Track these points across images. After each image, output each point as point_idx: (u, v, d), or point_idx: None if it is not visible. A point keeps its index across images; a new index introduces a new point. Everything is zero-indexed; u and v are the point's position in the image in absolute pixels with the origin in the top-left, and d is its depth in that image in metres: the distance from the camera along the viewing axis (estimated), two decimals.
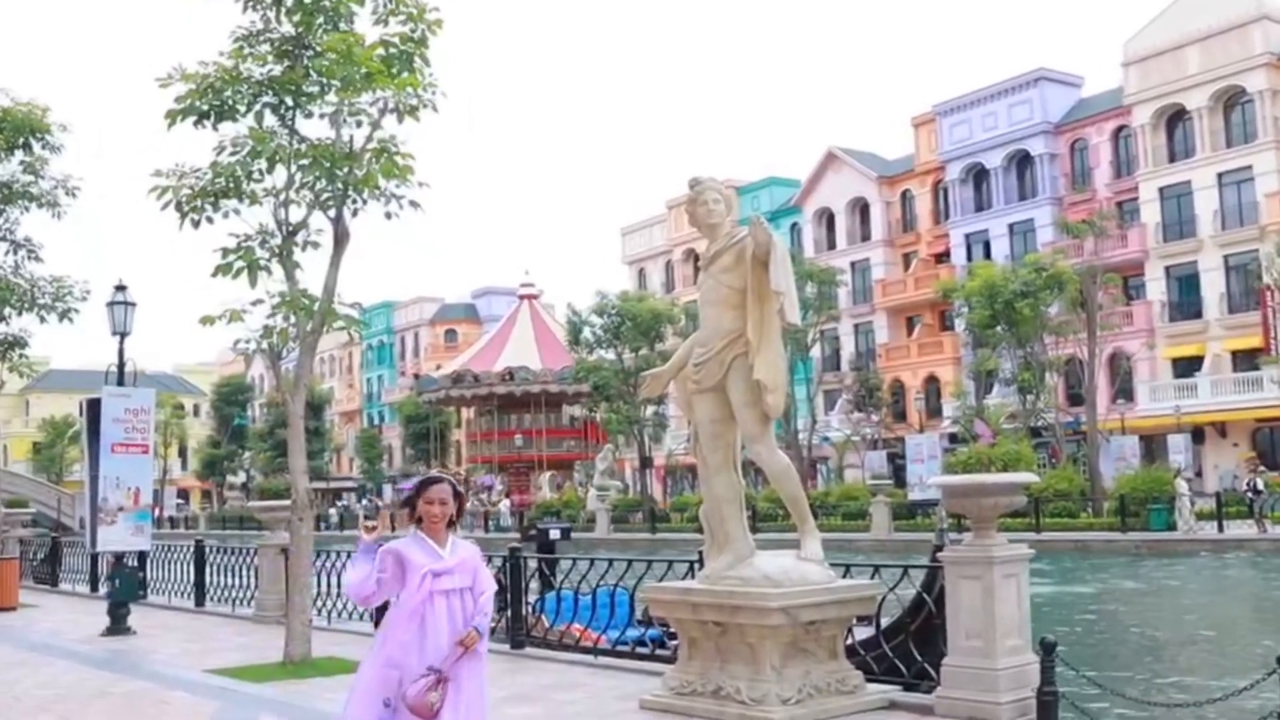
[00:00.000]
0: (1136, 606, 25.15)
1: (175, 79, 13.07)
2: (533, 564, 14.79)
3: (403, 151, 13.33)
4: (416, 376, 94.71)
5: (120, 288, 20.09)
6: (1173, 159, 59.73)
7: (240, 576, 19.47)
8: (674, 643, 11.05)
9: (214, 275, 13.15)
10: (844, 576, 9.86)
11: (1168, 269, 59.25)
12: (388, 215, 13.50)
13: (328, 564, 17.60)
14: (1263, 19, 55.76)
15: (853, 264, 73.43)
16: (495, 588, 6.22)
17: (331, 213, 13.45)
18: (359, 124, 13.35)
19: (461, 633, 5.81)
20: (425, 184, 13.51)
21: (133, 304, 20.20)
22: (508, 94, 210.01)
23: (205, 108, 13.13)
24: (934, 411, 64.38)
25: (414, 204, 13.55)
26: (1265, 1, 56.08)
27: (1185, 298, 58.69)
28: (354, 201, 13.44)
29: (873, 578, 10.13)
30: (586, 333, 64.02)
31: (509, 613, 13.90)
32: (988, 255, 63.39)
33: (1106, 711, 9.79)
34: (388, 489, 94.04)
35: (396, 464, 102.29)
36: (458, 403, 78.90)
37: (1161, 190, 59.56)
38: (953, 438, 55.73)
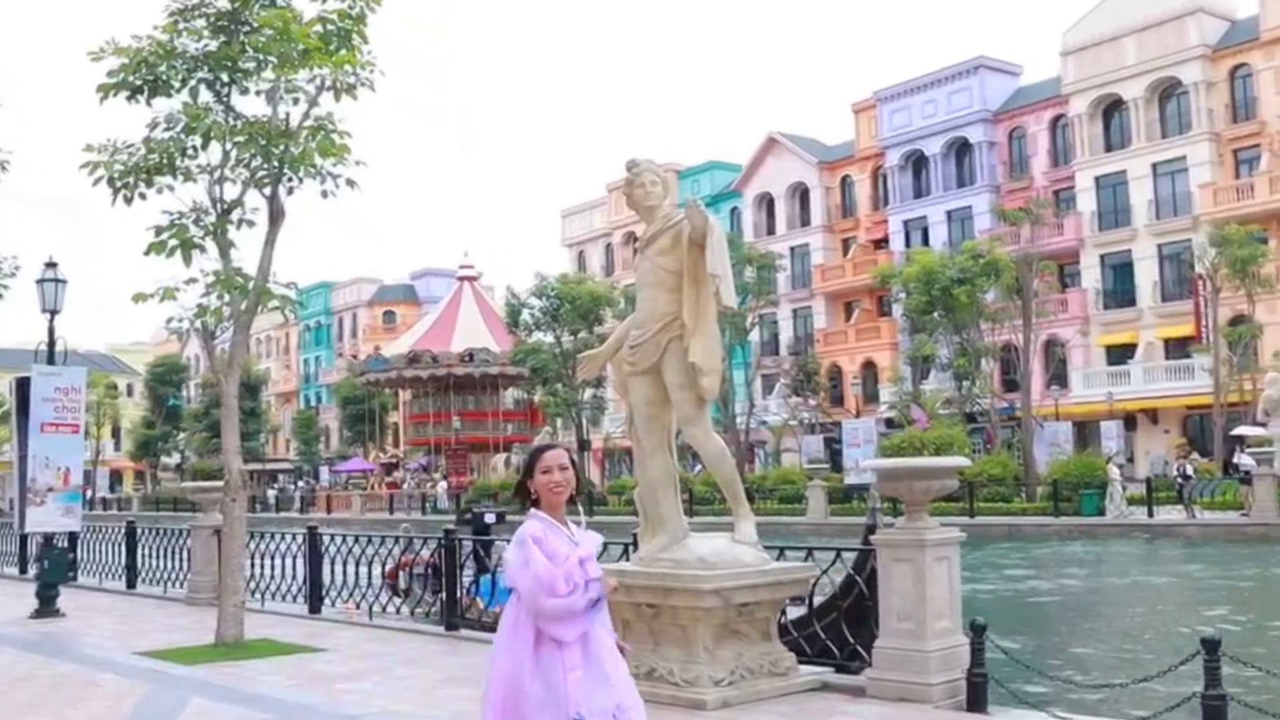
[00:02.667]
0: (1066, 590, 25.46)
1: (107, 53, 12.86)
2: (468, 546, 14.76)
3: (340, 130, 13.21)
4: (356, 356, 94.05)
5: (51, 264, 19.81)
6: (1109, 149, 60.44)
7: (173, 558, 19.27)
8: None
9: (147, 253, 12.99)
10: (777, 559, 9.91)
11: (1102, 257, 59.97)
12: (324, 194, 13.39)
13: (261, 546, 17.49)
14: (1198, 11, 56.51)
15: (792, 249, 73.70)
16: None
17: (267, 191, 13.31)
18: (296, 101, 13.21)
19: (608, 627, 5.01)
20: (362, 163, 13.42)
21: (63, 281, 19.92)
22: (446, 74, 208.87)
23: (139, 83, 12.93)
24: (871, 396, 64.81)
25: (351, 183, 13.44)
26: None
27: (1119, 286, 59.43)
28: (290, 180, 13.30)
29: (806, 560, 10.19)
30: (525, 315, 63.82)
31: (444, 595, 13.89)
32: (926, 242, 63.89)
33: (1036, 692, 9.91)
34: (324, 471, 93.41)
35: (334, 446, 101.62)
36: (401, 384, 78.18)
37: (1097, 179, 60.27)
38: (889, 422, 56.15)
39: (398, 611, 15.32)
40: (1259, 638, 17.63)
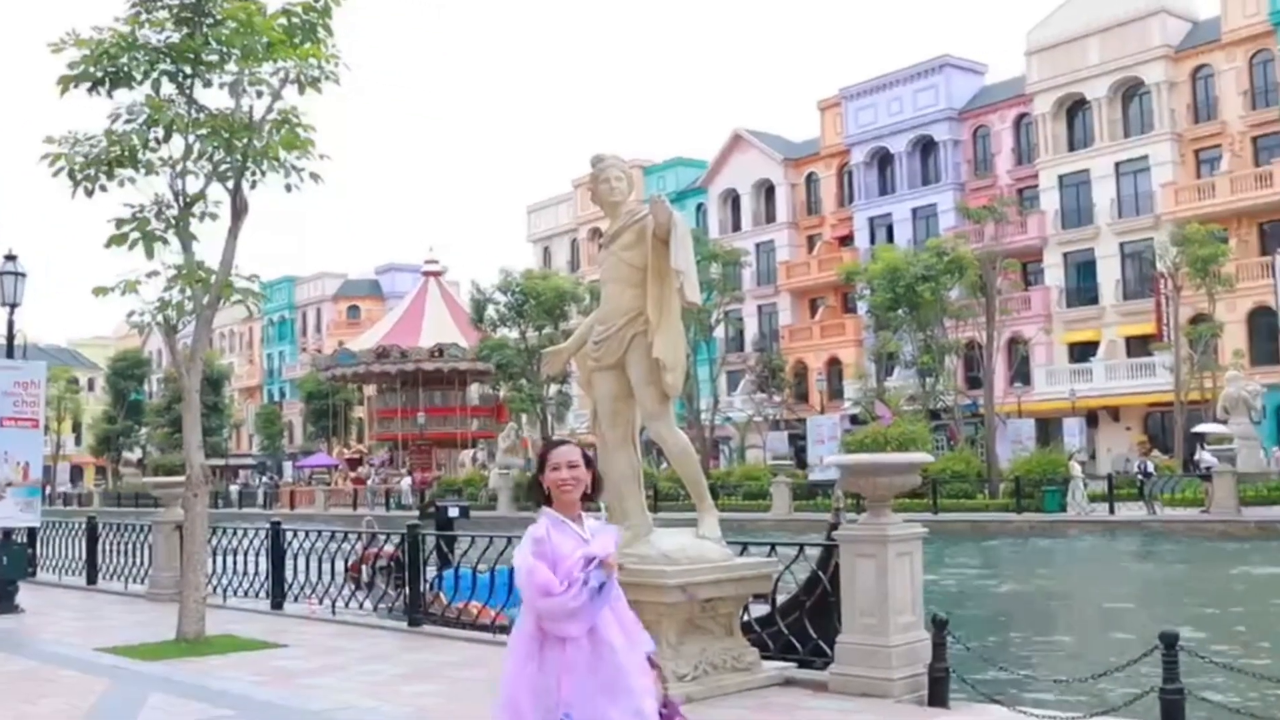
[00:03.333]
0: (1028, 586, 25.63)
1: (68, 44, 12.74)
2: (431, 541, 14.73)
3: (304, 123, 13.15)
4: (320, 351, 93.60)
5: (10, 257, 19.59)
6: (1072, 148, 60.83)
7: (134, 554, 19.13)
8: None
9: (108, 246, 12.90)
10: (741, 555, 9.93)
11: (1066, 255, 60.36)
12: (288, 188, 13.32)
13: (224, 541, 17.41)
14: (1161, 12, 56.96)
15: (757, 245, 73.81)
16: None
17: (230, 184, 13.22)
18: (259, 94, 13.13)
19: (630, 636, 4.73)
20: (326, 156, 13.35)
21: (23, 274, 19.69)
22: (415, 68, 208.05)
23: (100, 74, 12.81)
24: (835, 393, 65.03)
25: (315, 177, 13.38)
26: None
27: (1082, 284, 59.84)
28: (253, 173, 13.22)
29: (769, 556, 10.21)
30: (490, 310, 63.67)
31: (407, 590, 13.86)
32: (891, 239, 64.14)
33: (997, 686, 9.97)
34: (288, 466, 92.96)
35: (297, 441, 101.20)
36: (368, 379, 77.73)
37: (1061, 178, 60.65)
38: (854, 419, 56.35)
39: (360, 607, 15.28)
40: (1218, 633, 17.80)
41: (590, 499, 4.93)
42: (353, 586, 16.10)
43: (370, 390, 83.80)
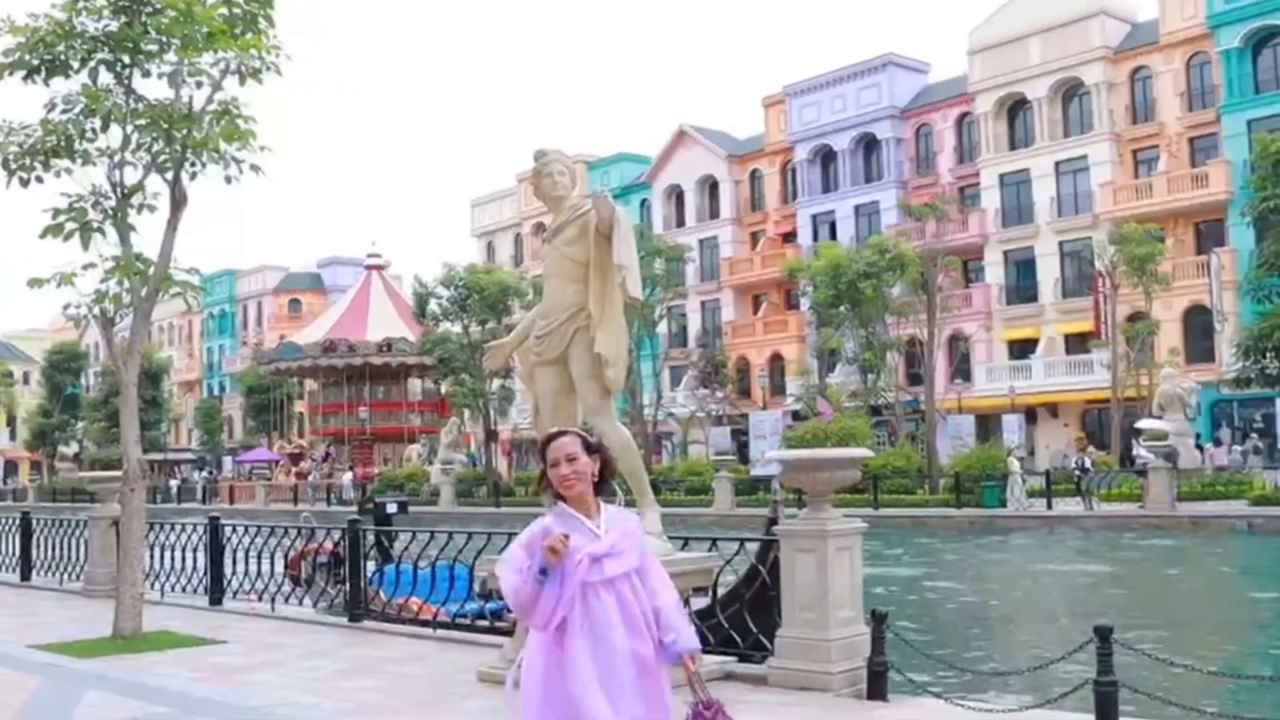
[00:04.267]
0: (967, 580, 25.86)
1: (2, 31, 12.54)
2: (371, 537, 14.67)
3: (245, 114, 13.02)
4: (260, 345, 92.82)
5: None
6: (1013, 147, 61.40)
7: (70, 550, 18.89)
8: (512, 615, 11.04)
9: (43, 236, 12.73)
10: (682, 549, 9.97)
11: (1006, 254, 60.93)
12: (228, 179, 13.19)
13: (162, 537, 17.24)
14: (1101, 14, 57.62)
15: (701, 241, 73.98)
16: (657, 562, 4.76)
17: (169, 175, 13.07)
18: (199, 85, 12.98)
19: (643, 638, 4.45)
20: (268, 148, 13.23)
21: None
22: (358, 60, 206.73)
23: (36, 63, 12.62)
24: (778, 389, 65.31)
25: (256, 168, 13.25)
26: None
27: (1022, 282, 60.43)
28: (193, 164, 13.08)
29: (710, 550, 10.25)
30: (433, 305, 63.41)
31: (347, 586, 13.80)
32: (834, 236, 64.51)
33: (935, 680, 10.07)
34: (228, 461, 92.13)
35: (237, 435, 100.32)
36: (314, 373, 76.97)
37: (1002, 177, 61.21)
38: (795, 415, 56.61)
39: (300, 603, 15.17)
40: (1151, 626, 18.04)
41: (602, 487, 4.65)
42: (292, 583, 15.99)
43: (312, 385, 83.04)
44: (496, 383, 61.97)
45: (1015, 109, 61.55)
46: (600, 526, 4.52)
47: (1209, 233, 54.14)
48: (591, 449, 4.63)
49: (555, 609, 4.40)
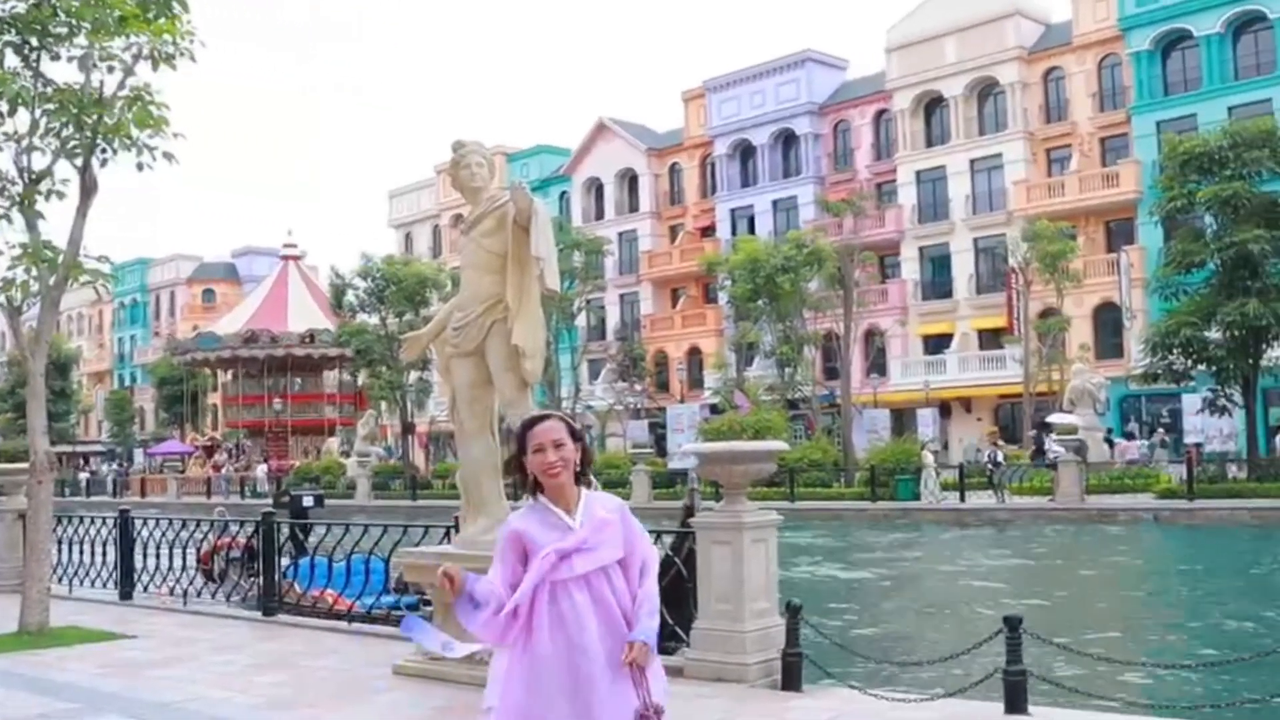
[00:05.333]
0: (881, 573, 26.12)
1: None
2: (285, 530, 14.53)
3: (157, 101, 12.82)
4: (173, 335, 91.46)
5: None
6: (929, 144, 62.07)
7: None
8: (429, 608, 11.01)
9: None
10: None
11: (921, 250, 61.60)
12: (140, 167, 12.98)
13: (70, 530, 16.94)
14: (1015, 14, 58.43)
15: (620, 234, 74.02)
16: (658, 560, 4.41)
17: (79, 161, 12.85)
18: (110, 70, 12.76)
19: (622, 640, 4.11)
20: (181, 135, 13.04)
21: None
22: (272, 49, 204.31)
23: None
24: (696, 382, 65.55)
25: (169, 156, 13.05)
26: None
27: (937, 278, 61.14)
28: (104, 151, 12.86)
29: None
30: (350, 296, 62.84)
31: (261, 579, 13.67)
32: (752, 230, 64.79)
33: (850, 670, 10.16)
34: (139, 453, 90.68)
35: (149, 427, 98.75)
36: (233, 364, 75.69)
37: (918, 173, 61.87)
38: (713, 408, 56.83)
39: (213, 596, 15.01)
40: (1060, 616, 18.36)
41: (581, 477, 4.31)
42: (205, 577, 15.81)
43: (226, 376, 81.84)
44: (414, 375, 61.56)
45: (932, 107, 62.23)
46: (576, 519, 4.21)
47: (1119, 231, 55.12)
48: (575, 435, 4.32)
49: (513, 617, 4.11)
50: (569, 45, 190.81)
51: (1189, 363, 38.50)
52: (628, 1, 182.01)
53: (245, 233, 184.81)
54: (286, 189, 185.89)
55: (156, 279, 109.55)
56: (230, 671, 10.30)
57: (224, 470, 69.45)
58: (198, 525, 15.56)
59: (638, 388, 65.47)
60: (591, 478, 4.38)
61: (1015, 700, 7.92)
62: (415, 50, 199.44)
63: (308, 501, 19.52)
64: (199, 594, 14.84)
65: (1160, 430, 48.47)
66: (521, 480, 4.34)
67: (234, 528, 16.01)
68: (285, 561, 14.37)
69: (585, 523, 4.20)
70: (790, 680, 8.82)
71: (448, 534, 11.24)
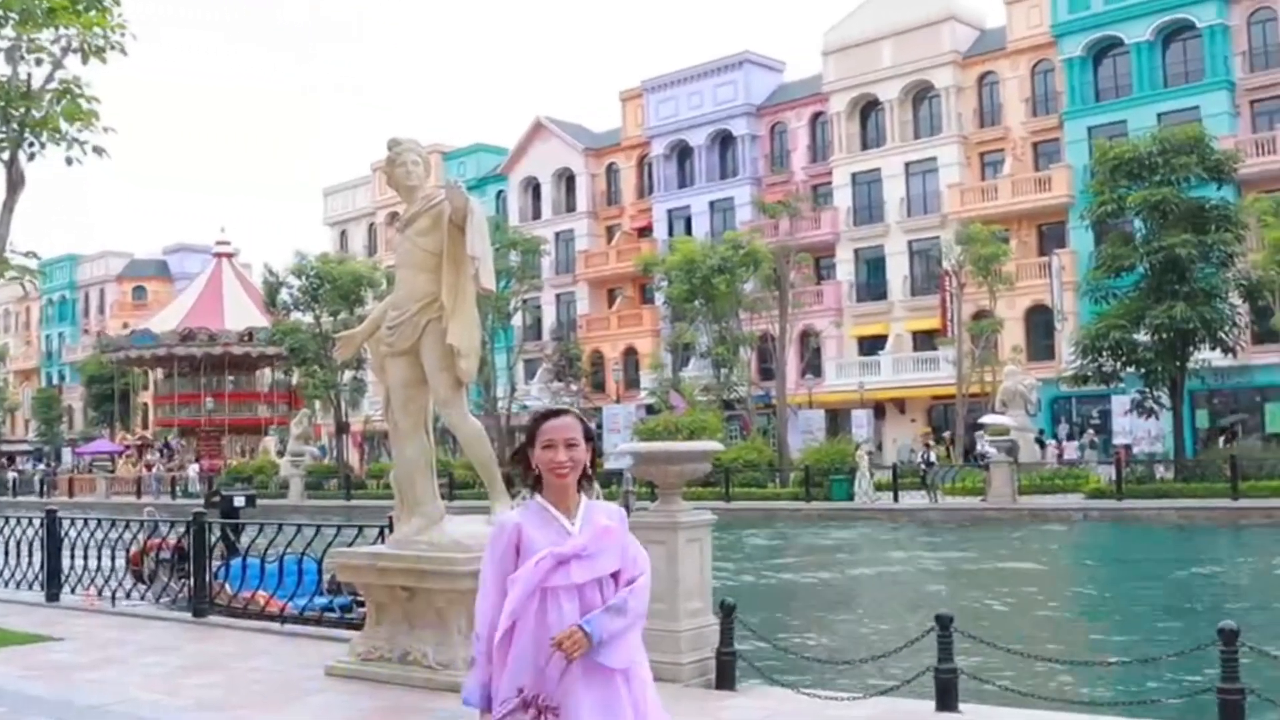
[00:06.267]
0: (816, 573, 26.24)
1: None
2: (217, 530, 14.37)
3: (87, 94, 12.65)
4: (102, 333, 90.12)
5: None
6: (865, 147, 62.45)
7: None
8: (362, 609, 10.94)
9: None
10: None
11: (857, 251, 61.96)
12: (69, 161, 12.81)
13: None
14: (951, 19, 58.94)
15: (557, 234, 73.89)
16: (648, 570, 4.14)
17: (5, 155, 12.65)
18: (39, 62, 12.58)
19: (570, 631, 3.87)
20: (112, 129, 12.88)
21: None
22: (207, 41, 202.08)
23: None
24: (632, 382, 65.57)
25: (99, 150, 12.90)
26: (954, 3, 59.29)
27: (872, 279, 61.54)
28: (31, 144, 12.67)
29: None
30: (284, 294, 62.24)
31: (192, 580, 13.51)
32: (689, 231, 64.91)
33: (783, 669, 10.21)
34: (67, 453, 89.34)
35: (77, 426, 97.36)
36: (168, 362, 74.61)
37: (854, 176, 62.22)
38: (649, 409, 56.88)
39: (142, 598, 14.81)
40: (991, 615, 18.55)
41: (586, 481, 4.11)
42: (134, 578, 15.59)
43: (158, 374, 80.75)
44: (348, 374, 61.10)
45: (867, 110, 62.63)
46: (575, 524, 4.00)
47: (1051, 234, 55.75)
48: (588, 436, 4.10)
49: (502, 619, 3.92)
50: (508, 44, 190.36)
51: (1118, 365, 39.08)
52: (566, 1, 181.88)
53: (179, 230, 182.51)
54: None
55: (86, 276, 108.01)
56: (160, 673, 10.17)
57: (155, 470, 68.55)
58: (127, 526, 15.34)
59: (573, 388, 65.37)
60: (595, 484, 4.19)
61: (946, 698, 8.00)
62: (354, 46, 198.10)
63: (238, 501, 19.30)
64: (128, 595, 14.64)
65: (1090, 431, 49.15)
66: (523, 474, 4.14)
67: (164, 528, 15.81)
68: (216, 562, 14.21)
69: (585, 529, 3.99)
70: (724, 680, 8.85)
71: (382, 534, 11.18)
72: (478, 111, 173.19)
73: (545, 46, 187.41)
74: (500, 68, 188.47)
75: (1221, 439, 44.24)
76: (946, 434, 51.01)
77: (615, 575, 4.01)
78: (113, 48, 12.66)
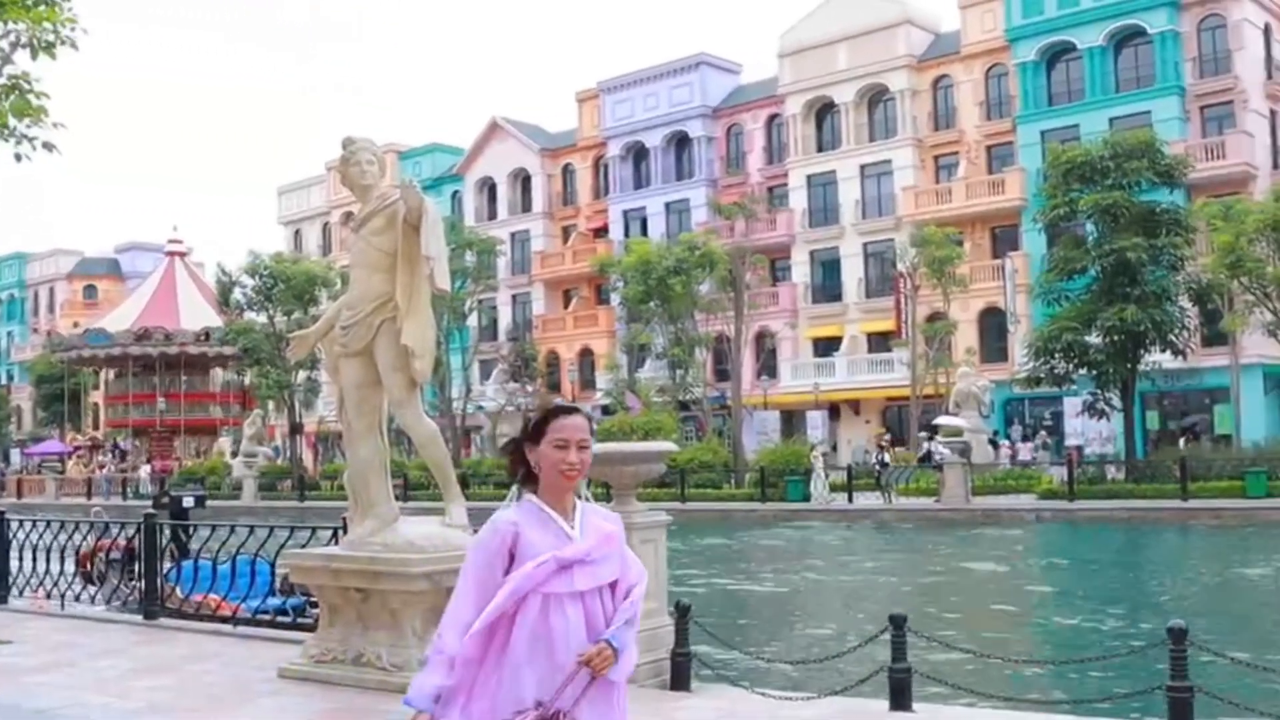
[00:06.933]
0: (771, 573, 26.31)
1: None
2: (168, 531, 14.24)
3: (36, 89, 12.48)
4: (50, 333, 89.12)
5: None
6: (820, 149, 62.68)
7: None
8: (315, 611, 10.87)
9: None
10: None
11: (812, 253, 62.17)
12: (18, 157, 12.62)
13: None
14: (906, 23, 59.27)
15: (513, 235, 73.74)
16: (646, 577, 4.03)
17: None
18: None
19: (591, 647, 3.70)
20: (62, 125, 12.71)
21: None
22: (158, 36, 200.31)
23: None
24: (588, 383, 65.54)
25: (49, 146, 12.70)
26: (909, 7, 59.63)
27: (827, 281, 61.76)
28: None
29: None
30: (237, 294, 61.79)
31: (142, 583, 13.38)
32: (645, 232, 64.93)
33: (738, 670, 10.24)
34: (15, 454, 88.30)
35: (26, 427, 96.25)
36: (124, 362, 73.76)
37: (809, 178, 62.43)
38: (605, 410, 56.78)
39: (93, 600, 14.65)
40: (945, 614, 18.64)
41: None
42: (84, 580, 15.43)
43: (109, 374, 79.86)
44: (302, 374, 60.74)
45: (823, 112, 62.87)
46: (575, 528, 3.79)
47: (1004, 237, 56.13)
48: (592, 434, 3.92)
49: (490, 631, 3.70)
50: (463, 43, 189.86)
51: (1070, 367, 39.47)
52: (523, 1, 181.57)
53: (132, 228, 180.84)
54: (173, 183, 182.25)
55: (35, 274, 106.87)
56: (111, 676, 10.07)
57: (106, 470, 67.90)
58: (76, 527, 15.17)
59: (529, 388, 65.23)
60: (585, 486, 3.98)
61: (900, 697, 8.04)
62: (310, 44, 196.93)
63: (188, 502, 19.16)
64: (77, 598, 14.48)
65: (1043, 433, 49.54)
66: (513, 469, 3.89)
67: (114, 529, 15.66)
68: (167, 564, 14.08)
69: (587, 533, 3.78)
70: (679, 680, 8.86)
71: (336, 535, 11.12)
72: (435, 112, 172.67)
73: (502, 47, 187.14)
74: (456, 68, 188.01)
75: (1183, 439, 44.75)
76: (881, 431, 51.28)
77: (611, 584, 3.84)
78: (63, 43, 12.50)
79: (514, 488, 3.90)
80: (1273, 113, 52.77)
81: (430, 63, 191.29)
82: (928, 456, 42.75)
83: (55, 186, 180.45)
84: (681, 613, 8.94)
